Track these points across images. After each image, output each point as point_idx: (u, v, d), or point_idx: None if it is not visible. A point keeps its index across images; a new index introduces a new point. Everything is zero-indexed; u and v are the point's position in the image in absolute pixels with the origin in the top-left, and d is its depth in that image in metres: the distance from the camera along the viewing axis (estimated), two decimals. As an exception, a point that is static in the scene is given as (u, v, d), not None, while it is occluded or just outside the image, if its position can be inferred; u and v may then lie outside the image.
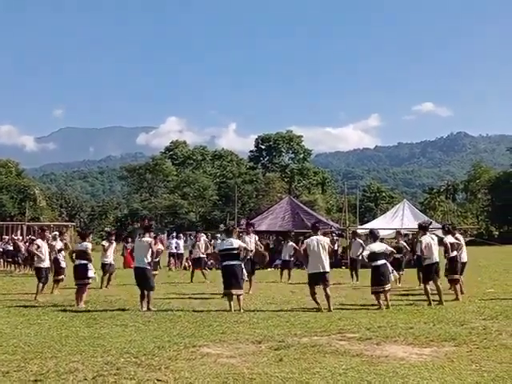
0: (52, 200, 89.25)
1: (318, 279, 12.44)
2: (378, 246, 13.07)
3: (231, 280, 12.48)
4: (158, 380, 6.59)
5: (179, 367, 7.18)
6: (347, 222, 32.05)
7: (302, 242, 14.03)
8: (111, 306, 13.48)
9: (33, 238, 31.09)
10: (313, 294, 12.47)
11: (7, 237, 32.88)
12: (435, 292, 13.10)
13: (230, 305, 12.29)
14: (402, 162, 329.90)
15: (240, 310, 12.17)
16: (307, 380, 6.50)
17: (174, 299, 14.69)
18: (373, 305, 12.76)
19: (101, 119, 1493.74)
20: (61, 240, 18.90)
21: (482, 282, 18.01)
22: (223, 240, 13.25)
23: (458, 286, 14.03)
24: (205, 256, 22.22)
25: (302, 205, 36.81)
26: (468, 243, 15.26)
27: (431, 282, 13.19)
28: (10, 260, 29.24)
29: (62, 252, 17.86)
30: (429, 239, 13.37)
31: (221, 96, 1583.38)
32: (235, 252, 12.67)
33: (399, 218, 34.48)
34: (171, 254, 30.17)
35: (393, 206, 48.01)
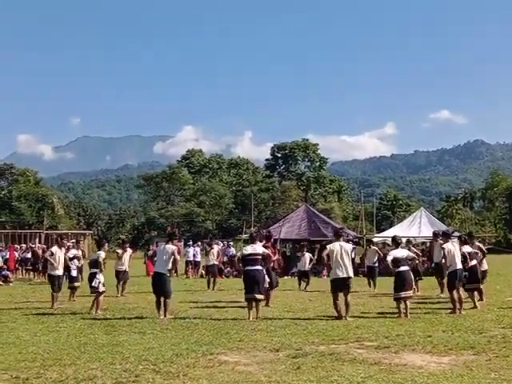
0: (70, 208, 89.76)
1: (341, 285, 12.37)
2: (400, 252, 13.03)
3: (253, 285, 12.42)
4: (176, 387, 6.62)
5: (197, 375, 7.21)
6: (364, 230, 32.05)
7: (323, 248, 14.04)
8: (129, 313, 13.54)
9: (43, 246, 31.49)
10: (335, 301, 12.35)
11: (24, 245, 33.19)
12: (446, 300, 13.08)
13: (249, 313, 12.25)
14: (419, 169, 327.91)
15: (257, 317, 12.17)
16: (325, 388, 6.50)
17: (192, 307, 14.74)
18: (391, 313, 12.74)
19: (118, 128, 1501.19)
20: (77, 248, 19.02)
21: (500, 291, 17.87)
22: (247, 246, 13.23)
23: (475, 294, 13.96)
24: (218, 263, 22.29)
25: (318, 213, 36.75)
26: (486, 251, 15.17)
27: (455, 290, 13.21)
28: (30, 268, 29.48)
29: (75, 261, 17.82)
30: (451, 246, 13.51)
31: (236, 105, 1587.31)
32: (258, 257, 12.64)
33: (416, 226, 34.27)
34: (188, 262, 30.25)
35: (410, 214, 47.77)
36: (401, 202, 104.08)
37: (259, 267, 12.59)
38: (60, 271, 15.78)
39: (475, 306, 13.52)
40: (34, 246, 32.15)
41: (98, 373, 7.37)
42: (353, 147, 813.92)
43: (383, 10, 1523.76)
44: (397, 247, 13.26)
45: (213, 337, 10.03)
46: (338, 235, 13.10)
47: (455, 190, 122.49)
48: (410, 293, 12.74)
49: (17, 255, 30.26)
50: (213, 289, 20.38)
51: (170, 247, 12.89)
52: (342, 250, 12.43)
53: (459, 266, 13.36)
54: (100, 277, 13.85)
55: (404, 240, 25.87)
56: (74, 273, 17.48)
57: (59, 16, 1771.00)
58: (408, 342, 9.20)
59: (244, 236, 36.36)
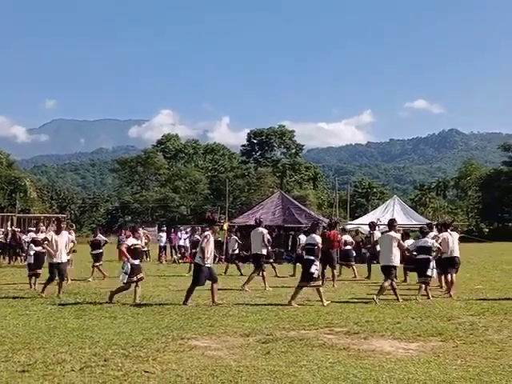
0: (43, 192, 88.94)
1: (386, 272, 13.02)
2: (423, 242, 13.94)
3: (308, 274, 12.58)
4: (145, 371, 6.61)
5: (167, 359, 7.21)
6: (338, 217, 32.19)
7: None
8: (100, 298, 13.45)
9: (16, 229, 31.01)
10: (391, 285, 12.95)
11: (2, 229, 32.65)
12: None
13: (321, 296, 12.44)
14: (394, 158, 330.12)
15: (323, 302, 12.23)
16: (294, 373, 6.53)
17: (164, 292, 14.71)
18: (361, 300, 12.86)
19: (93, 111, 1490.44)
20: (40, 232, 17.87)
21: (470, 279, 18.11)
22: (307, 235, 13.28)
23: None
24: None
25: (293, 200, 36.77)
26: (458, 240, 15.34)
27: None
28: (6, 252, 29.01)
29: (32, 245, 16.67)
30: (446, 235, 14.44)
31: (214, 90, 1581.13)
32: (315, 248, 12.76)
33: (389, 214, 34.59)
34: (161, 247, 30.17)
35: (384, 202, 48.12)
36: (375, 189, 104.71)
37: (313, 257, 12.71)
38: (60, 258, 14.29)
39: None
40: (17, 229, 31.45)
41: (67, 357, 7.33)
42: (329, 134, 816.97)
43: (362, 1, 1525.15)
44: (424, 236, 14.11)
45: (184, 322, 10.03)
46: (390, 226, 13.79)
47: (429, 178, 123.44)
48: (428, 279, 13.60)
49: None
50: None
51: (203, 234, 12.72)
52: (391, 240, 13.17)
53: (454, 253, 14.31)
54: (126, 266, 12.85)
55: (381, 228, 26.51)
56: (30, 259, 16.28)
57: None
58: (377, 328, 9.29)
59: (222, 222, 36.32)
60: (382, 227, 24.56)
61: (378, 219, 28.97)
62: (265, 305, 12.24)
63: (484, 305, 12.10)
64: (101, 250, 19.44)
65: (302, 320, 10.22)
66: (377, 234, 19.48)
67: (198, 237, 22.78)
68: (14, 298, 13.61)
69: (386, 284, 12.89)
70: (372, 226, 20.08)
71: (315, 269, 12.66)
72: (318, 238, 12.97)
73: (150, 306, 11.95)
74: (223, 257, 28.81)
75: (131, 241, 13.15)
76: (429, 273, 13.54)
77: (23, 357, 7.34)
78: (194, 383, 6.17)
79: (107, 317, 10.62)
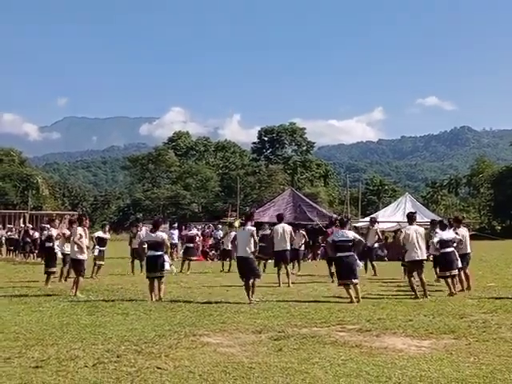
0: (55, 189, 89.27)
1: (415, 266, 13.05)
2: (446, 235, 13.69)
3: (347, 271, 12.57)
4: (157, 368, 6.63)
5: (179, 355, 7.23)
6: (349, 214, 32.17)
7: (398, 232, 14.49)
8: (113, 294, 13.55)
9: (29, 226, 31.22)
10: (410, 281, 13.04)
11: (11, 226, 32.92)
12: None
13: (350, 294, 12.33)
14: (405, 155, 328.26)
15: (358, 298, 12.24)
16: (306, 370, 6.53)
17: (176, 289, 14.74)
18: (373, 297, 12.83)
19: (105, 109, 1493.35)
20: (53, 227, 17.67)
21: (483, 276, 17.99)
22: (337, 232, 13.16)
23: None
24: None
25: (304, 197, 36.83)
26: (471, 237, 15.35)
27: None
28: (12, 248, 29.29)
29: (58, 241, 16.72)
30: (464, 231, 14.72)
31: (225, 87, 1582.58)
32: (350, 244, 12.69)
33: (401, 212, 34.40)
34: (173, 245, 30.16)
35: (395, 200, 47.94)
36: (386, 187, 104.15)
37: (350, 253, 12.68)
38: (86, 255, 14.32)
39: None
40: (30, 226, 31.68)
41: (80, 353, 7.37)
42: (340, 132, 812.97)
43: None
44: (443, 230, 13.85)
45: (196, 318, 10.05)
46: (411, 219, 13.64)
47: (441, 176, 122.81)
48: (453, 272, 13.47)
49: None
50: (141, 271, 18.45)
51: (249, 228, 12.61)
52: (416, 234, 13.11)
53: (469, 250, 14.51)
54: (168, 259, 13.04)
55: (393, 225, 26.52)
56: (59, 254, 16.37)
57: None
58: (389, 326, 9.26)
59: (229, 219, 36.45)
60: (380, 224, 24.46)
61: (377, 215, 28.97)
62: (276, 302, 12.23)
63: (497, 302, 12.01)
64: (105, 248, 19.05)
65: (314, 317, 10.20)
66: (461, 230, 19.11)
67: (196, 231, 22.90)
68: (26, 295, 13.69)
69: (423, 276, 13.00)
70: (372, 221, 19.90)
71: (357, 265, 12.81)
72: (351, 233, 12.94)
73: (162, 303, 11.99)
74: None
75: (165, 236, 13.39)
76: (459, 265, 13.55)
77: (37, 353, 7.39)
78: (207, 380, 6.19)
79: (120, 313, 10.67)
